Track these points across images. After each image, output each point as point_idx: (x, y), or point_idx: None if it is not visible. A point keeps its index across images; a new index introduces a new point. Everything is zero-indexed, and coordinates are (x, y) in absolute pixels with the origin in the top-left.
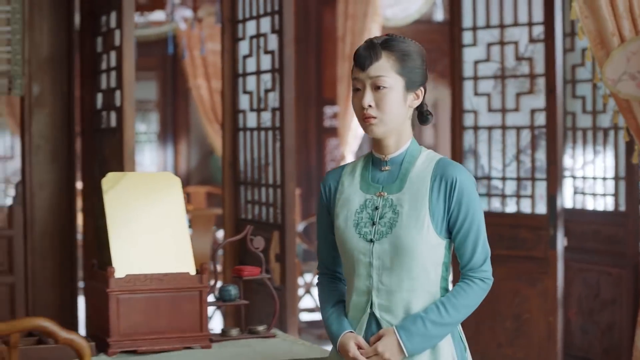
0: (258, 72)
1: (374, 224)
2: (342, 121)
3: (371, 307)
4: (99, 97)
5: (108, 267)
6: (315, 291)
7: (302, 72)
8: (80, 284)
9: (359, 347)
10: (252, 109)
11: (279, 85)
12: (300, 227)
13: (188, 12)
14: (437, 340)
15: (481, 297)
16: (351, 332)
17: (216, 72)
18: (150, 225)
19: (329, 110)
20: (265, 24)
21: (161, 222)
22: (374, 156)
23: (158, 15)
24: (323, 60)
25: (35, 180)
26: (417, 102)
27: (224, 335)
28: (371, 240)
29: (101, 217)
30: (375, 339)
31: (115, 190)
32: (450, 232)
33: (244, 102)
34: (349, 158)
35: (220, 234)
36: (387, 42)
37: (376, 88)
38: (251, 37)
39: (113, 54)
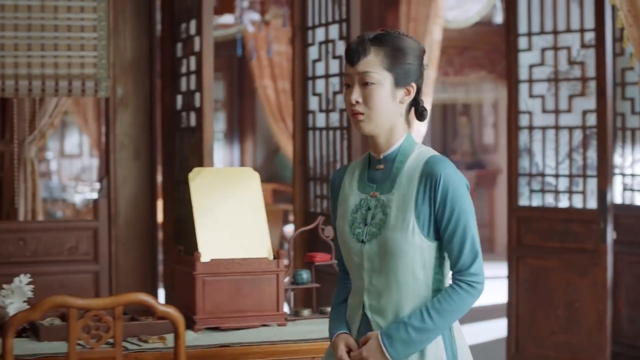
0: (327, 76)
1: (366, 224)
2: None
3: (363, 308)
4: (179, 99)
5: (194, 252)
6: None
7: None
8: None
9: (349, 349)
10: (321, 110)
11: None
12: None
13: (256, 16)
14: (422, 346)
15: (468, 303)
16: (345, 333)
17: (282, 73)
18: (232, 215)
19: None
20: (334, 30)
21: (242, 212)
22: (370, 155)
23: (227, 18)
24: None
25: (120, 175)
26: (409, 98)
27: (297, 315)
28: (362, 241)
29: (186, 207)
30: (363, 342)
31: (200, 183)
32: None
33: (313, 103)
34: None
35: (287, 228)
36: (378, 38)
37: (364, 84)
38: (320, 43)
39: (192, 59)
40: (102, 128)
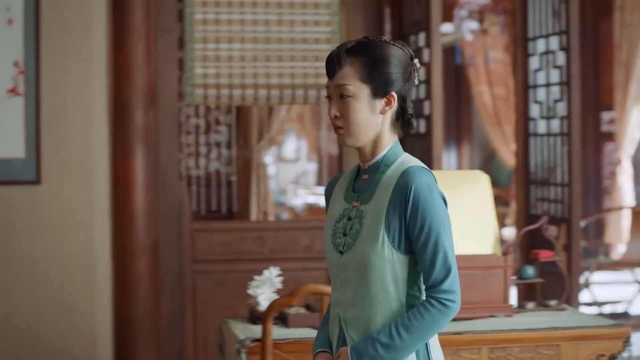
0: (547, 85)
1: (345, 234)
2: (619, 126)
3: (340, 321)
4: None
5: None
6: (593, 288)
7: (581, 80)
8: None
9: None
10: (541, 117)
11: (566, 97)
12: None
13: (474, 24)
14: None
15: (440, 322)
16: (324, 352)
17: (498, 79)
18: (463, 214)
19: (606, 115)
20: (554, 42)
21: (472, 211)
22: (359, 165)
23: (446, 27)
24: (600, 68)
25: None
26: (390, 109)
27: (522, 307)
28: (341, 252)
29: None
30: (336, 359)
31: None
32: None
33: (534, 111)
34: (625, 162)
35: (504, 231)
36: (354, 48)
37: (341, 97)
38: (541, 54)
39: (421, 69)
40: (320, 134)
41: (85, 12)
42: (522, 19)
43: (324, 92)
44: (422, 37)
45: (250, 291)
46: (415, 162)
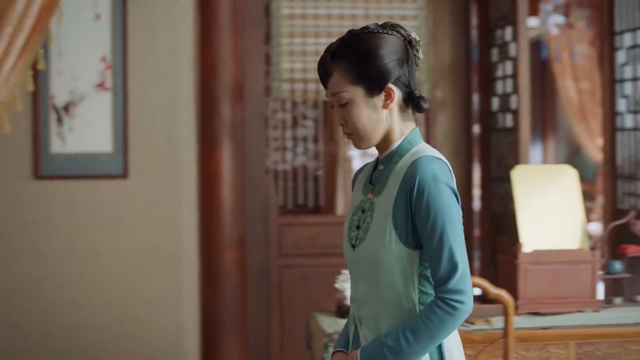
0: (635, 79)
1: (358, 228)
2: None
3: (354, 318)
4: (495, 101)
5: (517, 243)
6: None
7: None
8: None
9: None
10: (629, 111)
11: None
12: None
13: (560, 18)
14: None
15: (448, 324)
16: (340, 352)
17: (584, 74)
18: (551, 208)
19: None
20: None
21: (560, 206)
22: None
23: (531, 21)
24: None
25: None
26: (391, 102)
27: (610, 302)
28: (353, 246)
29: (503, 202)
30: None
31: (522, 179)
32: None
33: (621, 105)
34: None
35: (591, 225)
36: (336, 52)
37: (340, 105)
38: (628, 48)
39: (508, 64)
40: None
41: (172, 6)
42: (608, 12)
43: (426, 87)
44: (508, 32)
45: (337, 285)
46: (429, 151)
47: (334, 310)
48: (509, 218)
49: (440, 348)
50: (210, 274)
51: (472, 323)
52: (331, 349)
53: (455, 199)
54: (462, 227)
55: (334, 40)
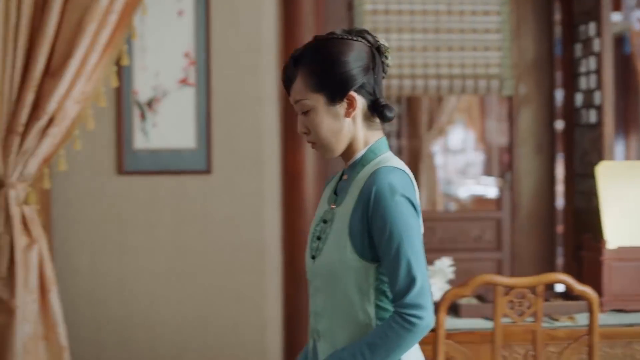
0: None
1: (319, 238)
2: None
3: (311, 332)
4: (578, 97)
5: (601, 239)
6: None
7: None
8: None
9: None
10: None
11: None
12: None
13: None
14: None
15: (405, 341)
16: None
17: None
18: (637, 205)
19: None
20: None
21: None
22: None
23: (614, 16)
24: None
25: (522, 169)
26: (353, 110)
27: None
28: (313, 257)
29: (587, 198)
30: None
31: (607, 175)
32: None
33: None
34: None
35: None
36: (299, 58)
37: (302, 112)
38: None
39: (592, 59)
40: (488, 124)
41: (255, 2)
42: None
43: (494, 83)
44: (592, 27)
45: None
46: (391, 162)
47: None
48: (592, 214)
49: None
50: (293, 269)
51: (556, 320)
52: None
53: (413, 211)
54: (421, 240)
55: (417, 35)
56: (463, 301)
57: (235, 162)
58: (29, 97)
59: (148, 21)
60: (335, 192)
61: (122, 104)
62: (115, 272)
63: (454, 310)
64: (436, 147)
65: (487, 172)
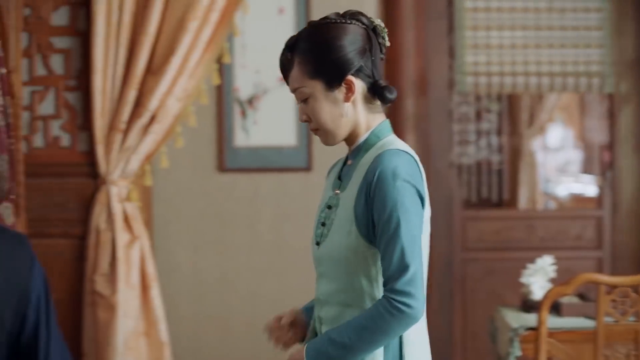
0: None
1: (323, 224)
2: None
3: (315, 319)
4: None
5: None
6: None
7: None
8: None
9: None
10: None
11: None
12: None
13: None
14: None
15: (392, 327)
16: (300, 310)
17: None
18: None
19: None
20: None
21: None
22: None
23: None
24: None
25: (623, 168)
26: (352, 94)
27: None
28: (318, 243)
29: None
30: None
31: None
32: None
33: None
34: None
35: None
36: (294, 46)
37: (302, 100)
38: None
39: None
40: (587, 122)
41: None
42: None
43: (595, 80)
44: None
45: (523, 279)
46: (395, 144)
47: (518, 304)
48: None
49: (400, 340)
50: None
51: None
52: (516, 344)
53: (416, 197)
54: (420, 227)
55: (517, 33)
56: (565, 300)
57: (335, 159)
58: (131, 95)
59: (249, 19)
60: (339, 178)
61: (223, 101)
62: (216, 269)
63: (556, 308)
64: (535, 145)
65: (586, 170)
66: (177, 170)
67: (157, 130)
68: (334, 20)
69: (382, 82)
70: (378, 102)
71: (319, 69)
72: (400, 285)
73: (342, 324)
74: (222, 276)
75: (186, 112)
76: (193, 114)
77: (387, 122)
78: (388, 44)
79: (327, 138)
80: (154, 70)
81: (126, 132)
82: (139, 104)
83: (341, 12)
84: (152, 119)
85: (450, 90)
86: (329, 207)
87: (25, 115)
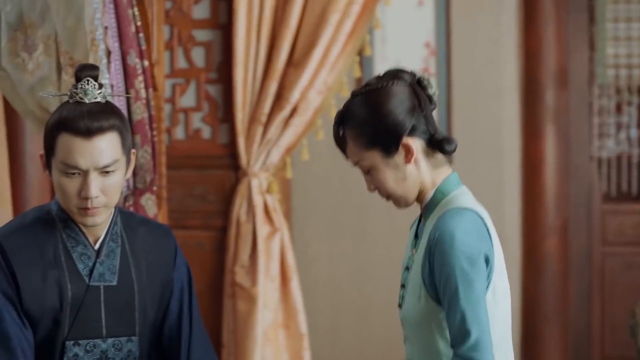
0: None
1: (403, 286)
2: None
3: None
4: None
5: None
6: None
7: None
8: None
9: None
10: None
11: None
12: None
13: None
14: None
15: None
16: None
17: None
18: None
19: None
20: None
21: None
22: None
23: None
24: None
25: None
26: (412, 155)
27: None
28: (400, 305)
29: None
30: None
31: None
32: None
33: None
34: None
35: None
36: (342, 121)
37: (365, 173)
38: None
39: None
40: None
41: None
42: None
43: None
44: None
45: None
46: (458, 202)
47: None
48: None
49: None
50: (532, 260)
51: None
52: None
53: (475, 257)
54: (483, 289)
55: None
56: None
57: (475, 151)
58: (272, 88)
59: (388, 11)
60: (416, 235)
61: None
62: (354, 260)
63: None
64: None
65: None
66: (316, 163)
67: (298, 123)
68: (375, 87)
69: (439, 135)
70: (439, 155)
71: (373, 139)
72: (463, 351)
73: None
74: (360, 267)
75: (327, 104)
76: (334, 106)
77: (454, 175)
78: (436, 92)
79: (400, 203)
80: (295, 63)
81: (267, 124)
82: (280, 96)
83: (380, 74)
84: (293, 111)
85: (590, 83)
86: (407, 268)
87: (166, 108)
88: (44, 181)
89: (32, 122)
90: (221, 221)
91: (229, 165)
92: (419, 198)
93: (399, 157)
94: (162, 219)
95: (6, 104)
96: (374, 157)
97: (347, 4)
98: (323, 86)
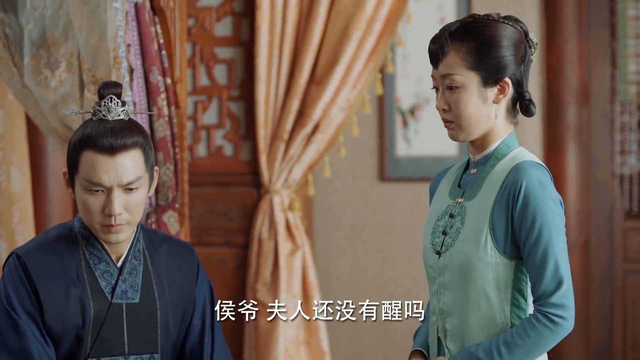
0: None
1: (445, 233)
2: None
3: (437, 330)
4: None
5: None
6: None
7: None
8: None
9: None
10: None
11: None
12: None
13: None
14: None
15: (547, 340)
16: (419, 351)
17: None
18: None
19: None
20: None
21: None
22: (469, 157)
23: None
24: None
25: None
26: (504, 97)
27: None
28: (438, 253)
29: None
30: None
31: None
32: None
33: None
34: None
35: None
36: (458, 31)
37: (449, 88)
38: None
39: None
40: None
41: (517, 9)
42: None
43: None
44: None
45: None
46: (529, 156)
47: None
48: None
49: None
50: None
51: None
52: None
53: (560, 208)
54: (565, 239)
55: None
56: None
57: None
58: (294, 105)
59: (410, 28)
60: (459, 186)
61: (385, 111)
62: (376, 278)
63: None
64: None
65: None
66: (338, 180)
67: (320, 140)
68: (499, 20)
69: (528, 94)
70: (514, 113)
71: (480, 62)
72: (556, 298)
73: (484, 341)
74: (382, 285)
75: (349, 121)
76: (355, 124)
77: (514, 134)
78: (532, 60)
79: (460, 134)
80: (317, 81)
81: (289, 141)
82: (302, 113)
83: (500, 14)
84: (315, 128)
85: (612, 99)
86: (451, 215)
87: (189, 125)
88: (66, 198)
89: (54, 139)
90: (243, 238)
91: (251, 183)
92: (477, 142)
93: (492, 92)
94: (184, 236)
95: (29, 120)
96: (471, 78)
97: (369, 21)
98: (345, 103)
